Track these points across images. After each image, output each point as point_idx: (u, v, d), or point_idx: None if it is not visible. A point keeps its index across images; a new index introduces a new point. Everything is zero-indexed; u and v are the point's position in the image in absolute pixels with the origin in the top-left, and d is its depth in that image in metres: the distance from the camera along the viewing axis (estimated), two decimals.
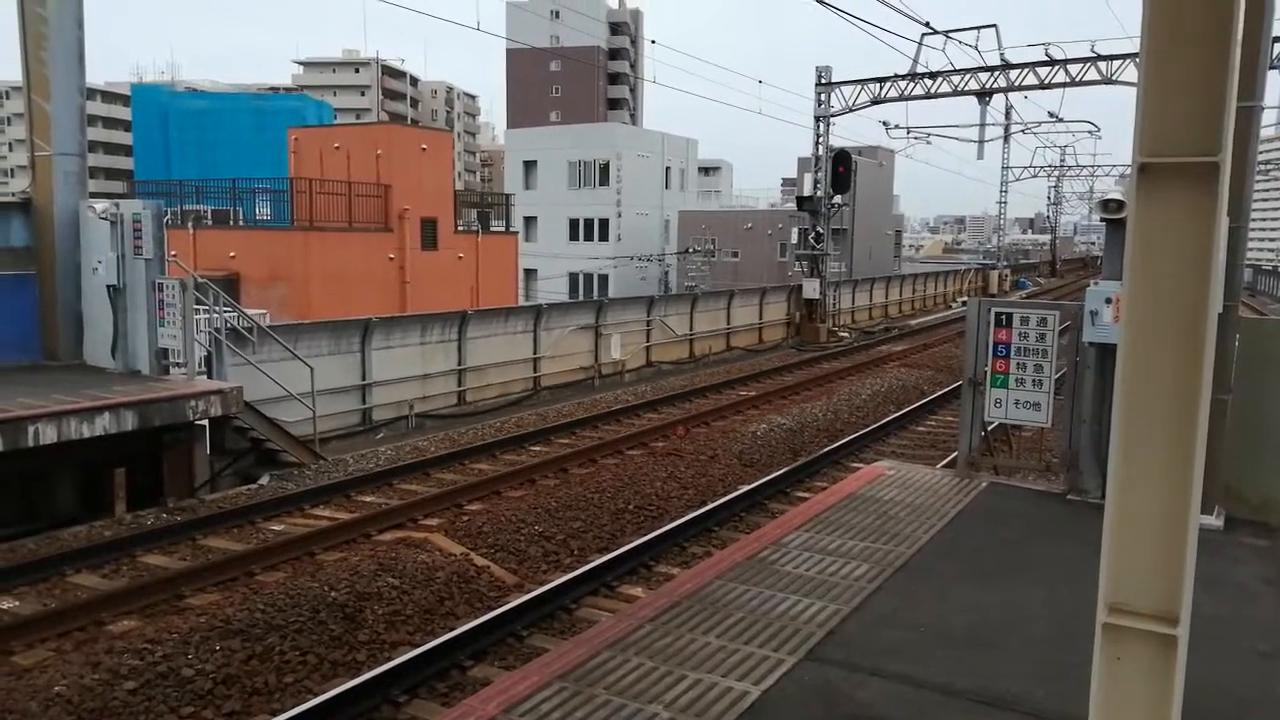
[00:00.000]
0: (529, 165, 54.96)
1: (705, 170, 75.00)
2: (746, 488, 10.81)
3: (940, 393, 17.76)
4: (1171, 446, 2.40)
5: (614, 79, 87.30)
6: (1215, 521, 6.34)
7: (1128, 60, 24.57)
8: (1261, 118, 6.58)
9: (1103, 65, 24.98)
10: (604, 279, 50.28)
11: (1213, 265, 2.32)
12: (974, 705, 3.82)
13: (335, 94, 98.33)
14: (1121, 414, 2.43)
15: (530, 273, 48.04)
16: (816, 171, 29.20)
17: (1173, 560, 2.42)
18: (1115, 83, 24.92)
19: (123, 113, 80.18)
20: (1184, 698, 2.47)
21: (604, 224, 52.48)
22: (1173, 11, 2.29)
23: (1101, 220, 6.69)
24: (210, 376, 12.06)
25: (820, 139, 29.13)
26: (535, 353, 18.68)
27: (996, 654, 4.30)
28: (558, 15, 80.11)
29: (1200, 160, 2.31)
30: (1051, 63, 25.58)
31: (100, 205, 12.18)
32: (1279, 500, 6.50)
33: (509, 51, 79.91)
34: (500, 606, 7.32)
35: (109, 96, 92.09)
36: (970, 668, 4.14)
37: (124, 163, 78.49)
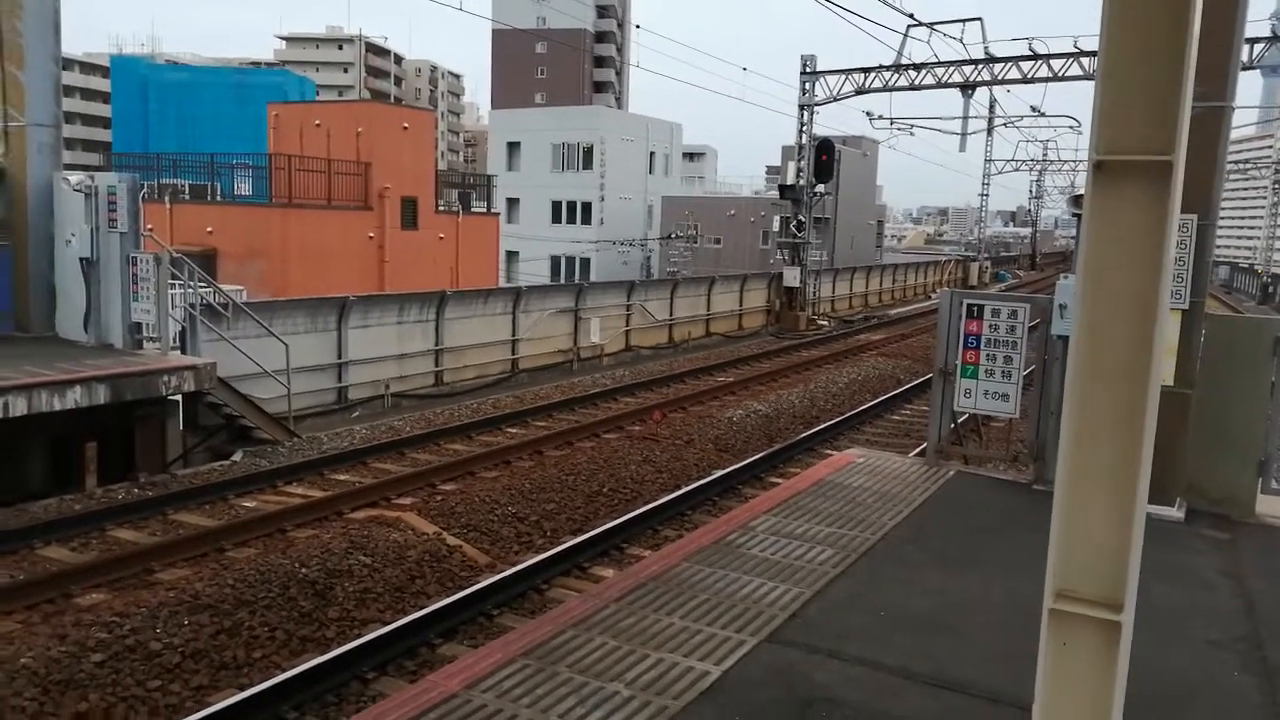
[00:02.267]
0: (512, 146, 54.71)
1: (689, 156, 74.91)
2: (720, 472, 10.88)
3: (916, 382, 17.90)
4: (1120, 438, 2.46)
5: (600, 62, 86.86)
6: (1176, 514, 6.46)
7: None
8: (1232, 118, 6.65)
9: (1085, 61, 25.12)
10: (586, 262, 50.21)
11: (1164, 261, 2.37)
12: (930, 688, 3.89)
13: (318, 70, 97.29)
14: (1072, 405, 2.49)
15: (512, 255, 47.89)
16: (800, 160, 29.26)
17: (1119, 549, 2.48)
18: (1096, 73, 25.02)
19: (101, 84, 79.05)
20: (1133, 683, 2.54)
21: (587, 207, 52.36)
22: (1130, 13, 2.33)
23: (1073, 215, 6.77)
24: (184, 352, 11.98)
25: (804, 128, 29.17)
26: (514, 335, 18.67)
27: (955, 639, 4.38)
28: None
29: (1154, 159, 2.36)
30: (1035, 57, 25.71)
31: (75, 177, 12.05)
32: (1239, 494, 6.62)
33: (494, 32, 79.33)
34: (471, 586, 7.36)
35: (87, 67, 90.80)
36: (928, 651, 4.22)
37: (101, 135, 77.47)
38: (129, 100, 49.23)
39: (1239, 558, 5.73)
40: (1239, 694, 4.00)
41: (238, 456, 11.49)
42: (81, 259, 11.91)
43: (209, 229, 24.95)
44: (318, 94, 60.86)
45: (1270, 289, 54.78)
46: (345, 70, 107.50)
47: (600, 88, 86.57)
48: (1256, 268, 64.66)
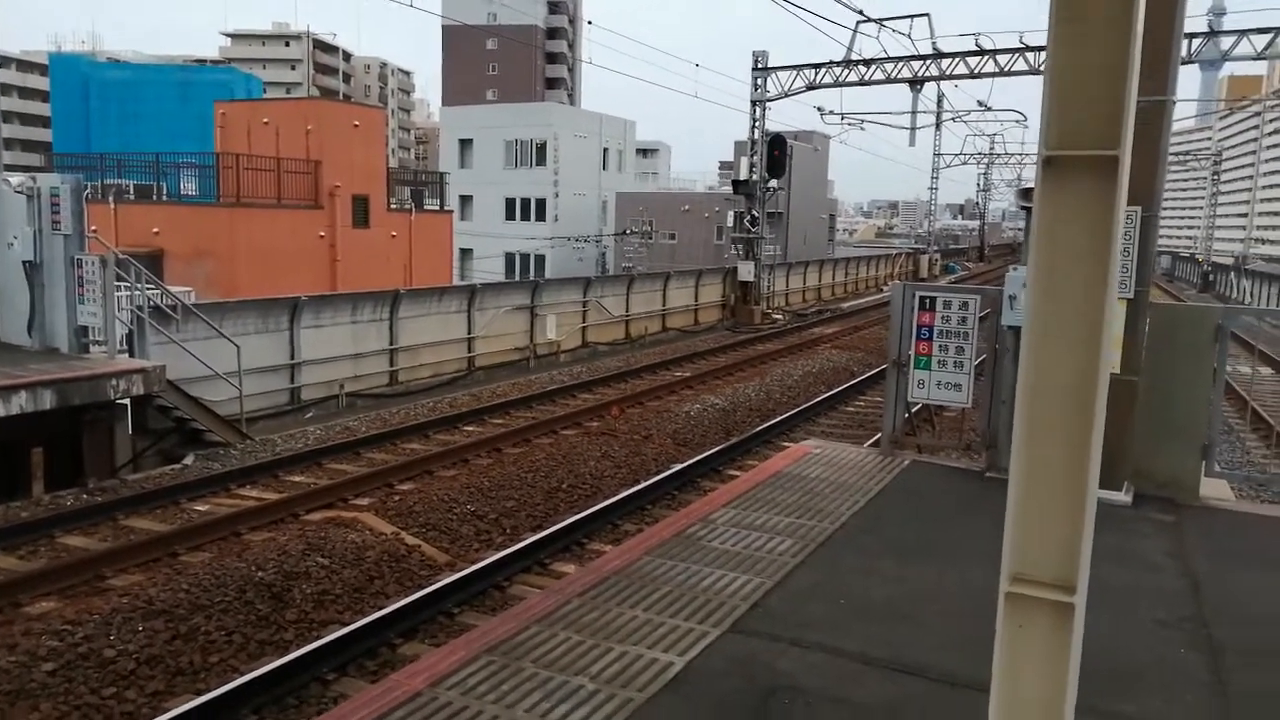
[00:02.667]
0: (465, 144, 54.30)
1: (643, 152, 74.97)
2: (679, 466, 10.94)
3: (869, 374, 18.12)
4: (1071, 422, 2.52)
5: (552, 58, 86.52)
6: (1124, 498, 6.62)
7: None
8: (1174, 111, 6.82)
9: (1030, 56, 25.55)
10: (540, 259, 50.05)
11: (1111, 252, 2.44)
12: (889, 673, 3.96)
13: (264, 67, 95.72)
14: (1025, 391, 2.55)
15: (466, 252, 47.57)
16: (752, 155, 29.43)
17: (1071, 532, 2.55)
18: (1042, 73, 25.44)
19: (39, 82, 77.00)
20: (1084, 662, 2.61)
21: (541, 204, 52.15)
22: (1075, 11, 2.39)
23: (1021, 208, 6.91)
24: (132, 355, 11.76)
25: (756, 123, 29.33)
26: (469, 333, 18.57)
27: (913, 625, 4.46)
28: None
29: (1101, 154, 2.43)
30: (981, 53, 26.10)
31: (15, 179, 11.77)
32: (1184, 478, 6.80)
33: (445, 28, 78.66)
34: (431, 585, 7.32)
35: (24, 65, 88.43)
36: (887, 638, 4.29)
37: (40, 134, 75.50)
38: (69, 99, 48.09)
39: (1184, 540, 5.90)
40: (1186, 671, 4.12)
41: (189, 460, 11.30)
42: (24, 262, 11.63)
43: (155, 230, 24.47)
44: (264, 92, 59.89)
45: (1210, 277, 56.29)
46: (293, 68, 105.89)
47: (552, 84, 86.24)
48: (1197, 257, 66.35)
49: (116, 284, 11.53)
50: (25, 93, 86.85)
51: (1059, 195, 2.47)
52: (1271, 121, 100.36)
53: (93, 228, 12.60)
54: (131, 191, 27.28)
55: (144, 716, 5.49)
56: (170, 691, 5.89)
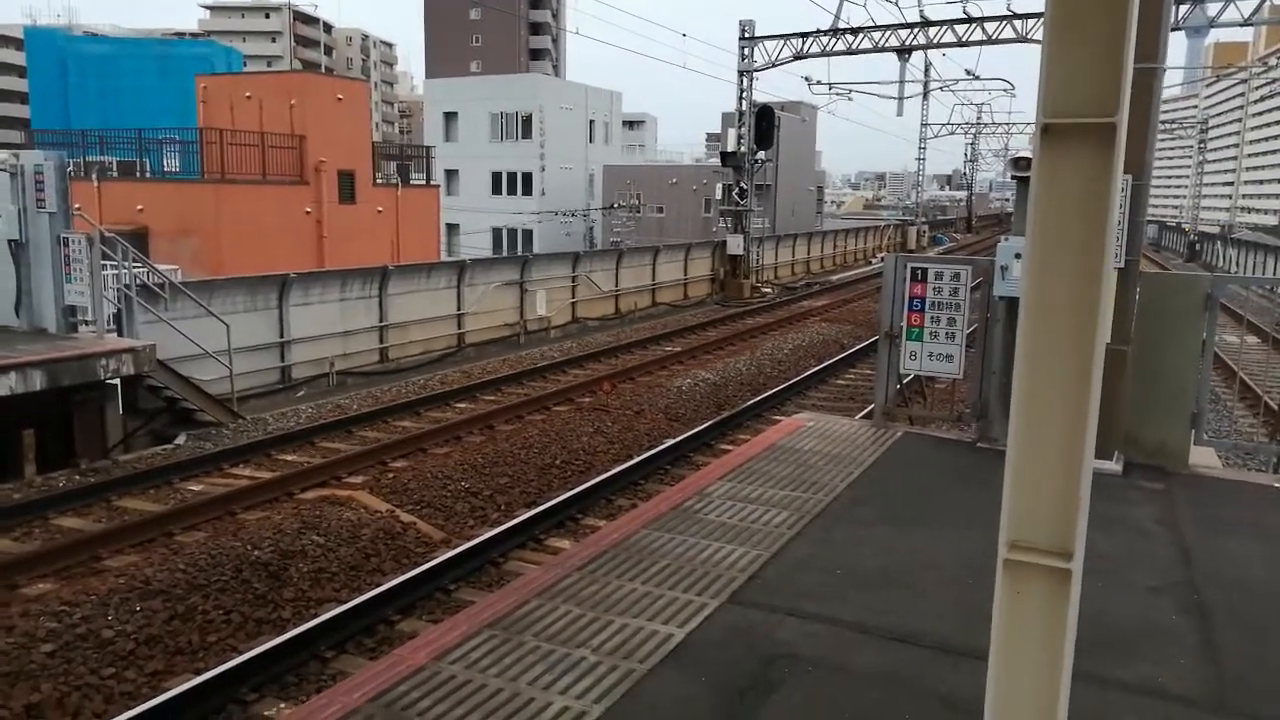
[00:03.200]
0: (449, 117, 53.83)
1: (630, 124, 74.42)
2: (671, 441, 10.98)
3: (859, 346, 18.18)
4: (1068, 392, 2.54)
5: (536, 29, 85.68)
6: (1114, 466, 6.68)
7: (1041, 20, 25.10)
8: (1164, 79, 6.83)
9: (1018, 24, 25.49)
10: (528, 234, 49.81)
11: (1109, 221, 2.45)
12: (886, 641, 4.01)
13: (245, 40, 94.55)
14: (1023, 361, 2.57)
15: (452, 227, 47.30)
16: (740, 127, 29.30)
17: (1068, 499, 2.58)
18: (1030, 41, 25.46)
19: (15, 57, 75.86)
20: (1080, 628, 2.64)
21: (527, 178, 51.84)
22: None
23: (1012, 178, 6.91)
24: (121, 334, 11.70)
25: (744, 94, 29.17)
26: (459, 309, 18.53)
27: (908, 593, 4.51)
28: None
29: (1099, 121, 2.43)
30: (969, 20, 26.00)
31: None
32: (1173, 446, 6.86)
33: None
34: (427, 562, 7.36)
35: None
36: (883, 607, 4.34)
37: (17, 110, 74.54)
38: (47, 74, 47.43)
39: (1174, 507, 5.96)
40: (1176, 636, 4.18)
41: (181, 440, 11.28)
42: (10, 241, 11.53)
43: (139, 207, 24.23)
44: (245, 65, 59.18)
45: (1197, 246, 56.51)
46: (273, 40, 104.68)
47: (537, 55, 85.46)
48: (1184, 226, 66.56)
49: (103, 263, 11.45)
50: (1, 68, 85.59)
51: (1056, 164, 2.48)
52: (1257, 89, 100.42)
53: (77, 205, 12.49)
54: (114, 168, 26.99)
55: (144, 696, 5.52)
56: (170, 671, 5.92)
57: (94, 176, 24.97)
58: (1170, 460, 6.81)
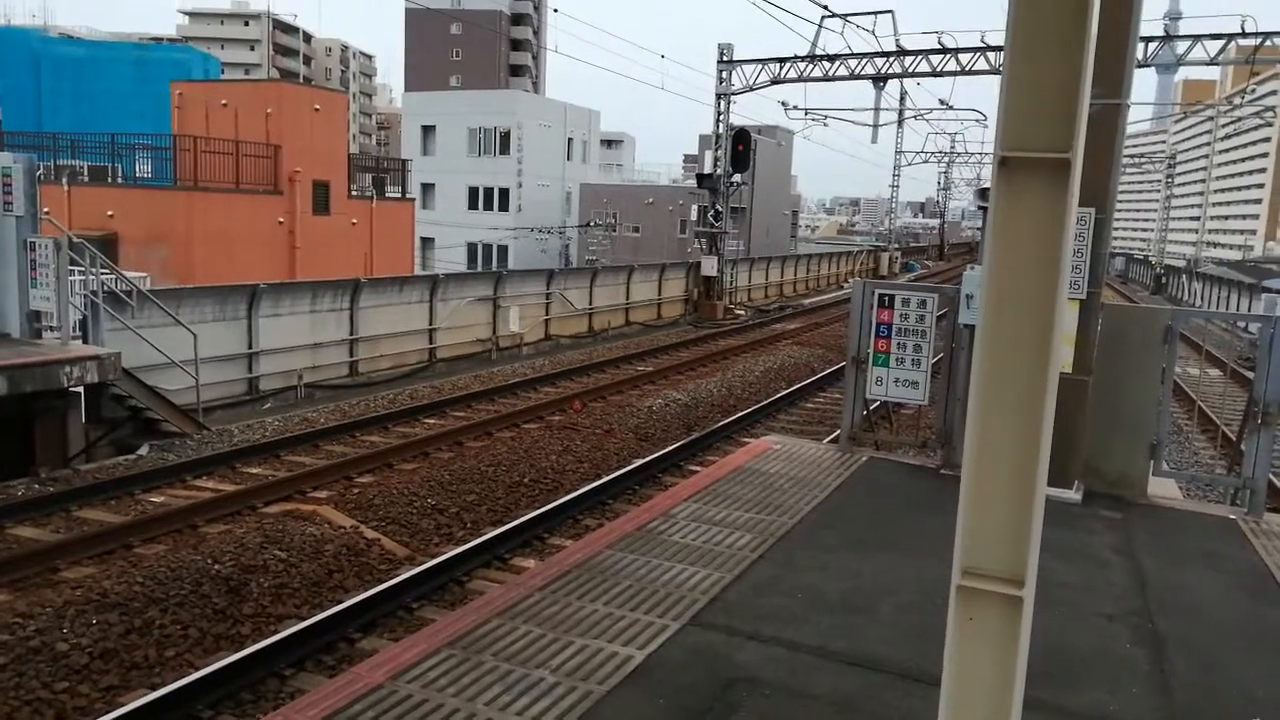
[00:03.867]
0: (427, 130, 53.82)
1: (608, 143, 74.74)
2: (640, 461, 10.98)
3: (829, 370, 18.29)
4: (1022, 421, 2.58)
5: (516, 45, 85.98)
6: (1074, 496, 6.76)
7: None
8: (1128, 114, 6.96)
9: (991, 55, 25.90)
10: (503, 250, 49.79)
11: (1063, 252, 2.51)
12: (845, 666, 4.03)
13: (223, 47, 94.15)
14: (978, 389, 2.61)
15: (427, 241, 47.17)
16: (717, 149, 29.50)
17: (1020, 526, 2.61)
18: (1002, 73, 25.84)
19: None
20: (1034, 655, 2.67)
21: (504, 194, 51.87)
22: (1032, 16, 2.45)
23: (979, 208, 7.02)
24: (87, 341, 11.54)
25: (721, 117, 29.40)
26: (431, 324, 18.46)
27: (868, 618, 4.54)
28: None
29: (1055, 156, 2.49)
30: (944, 51, 26.40)
31: None
32: (1133, 476, 6.96)
33: (408, 11, 77.83)
34: (390, 579, 7.29)
35: None
36: (843, 631, 4.36)
37: None
38: (19, 75, 46.86)
39: (1132, 537, 6.05)
40: (1130, 663, 4.24)
41: (144, 450, 11.13)
42: None
43: (109, 212, 23.99)
44: (223, 72, 58.87)
45: (1163, 279, 57.43)
46: (251, 48, 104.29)
47: (517, 71, 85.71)
48: (1150, 259, 67.64)
49: (70, 268, 11.31)
50: None
51: (1013, 196, 2.53)
52: (1224, 126, 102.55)
53: (45, 210, 12.35)
54: (85, 173, 26.72)
55: (97, 711, 5.42)
56: (125, 686, 5.81)
57: (64, 180, 24.71)
58: (1130, 490, 6.90)
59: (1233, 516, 6.67)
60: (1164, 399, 6.94)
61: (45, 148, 26.75)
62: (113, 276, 12.40)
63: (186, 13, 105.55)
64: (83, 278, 11.83)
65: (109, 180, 26.56)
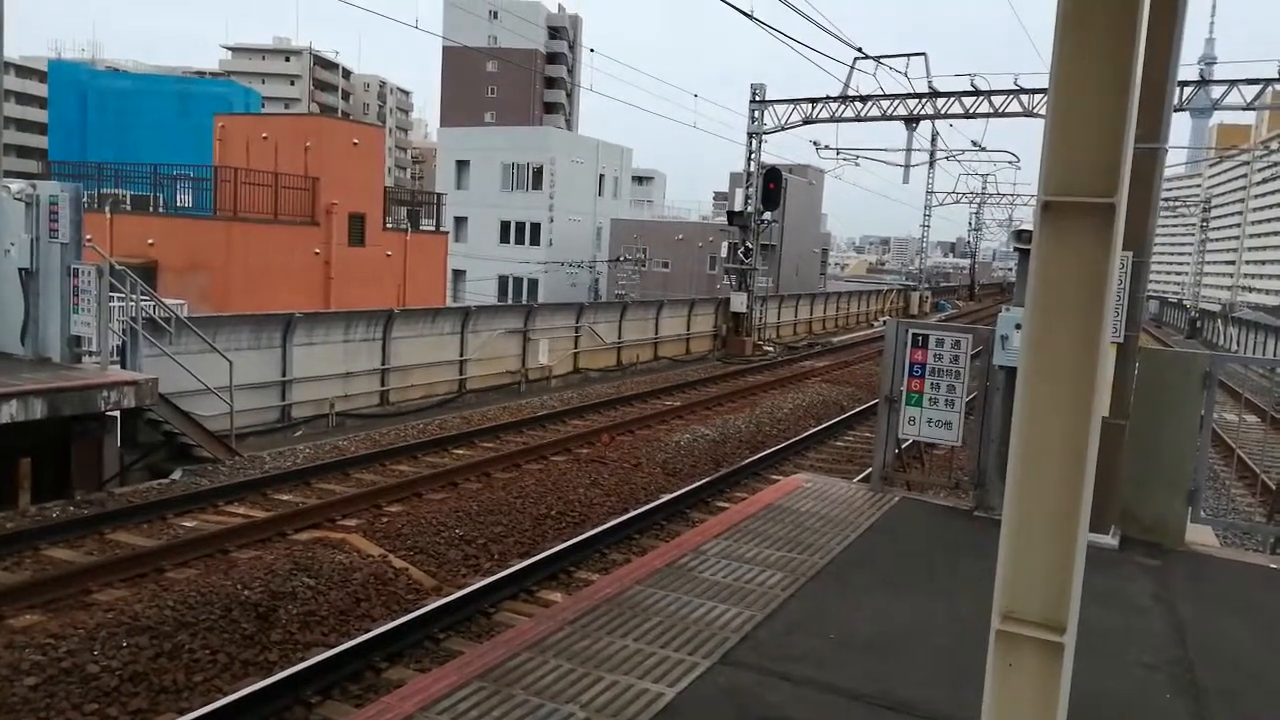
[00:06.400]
0: (461, 165, 54.56)
1: (639, 180, 75.38)
2: (668, 496, 10.94)
3: (859, 409, 18.19)
4: (1064, 464, 2.57)
5: (550, 83, 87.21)
6: (1111, 541, 6.66)
7: (1046, 95, 25.53)
8: (1165, 159, 6.94)
9: (1024, 98, 25.93)
10: (534, 283, 50.17)
11: (1106, 297, 2.50)
12: (877, 709, 3.98)
13: (264, 82, 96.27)
14: (1020, 432, 2.60)
15: (459, 273, 47.65)
16: (748, 187, 29.65)
17: (1061, 571, 2.59)
18: (1035, 115, 25.89)
19: (37, 88, 77.14)
20: (1073, 703, 2.64)
21: (535, 228, 52.37)
22: (1077, 63, 2.47)
23: (1015, 250, 6.99)
24: (125, 366, 11.74)
25: (752, 155, 29.57)
26: (462, 355, 18.59)
27: (901, 661, 4.48)
28: (496, 16, 79.84)
29: (1099, 201, 2.49)
30: (976, 93, 26.46)
31: (15, 185, 11.77)
32: (1170, 521, 6.84)
33: (445, 49, 79.25)
34: (418, 609, 7.30)
35: (23, 70, 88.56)
36: (875, 673, 4.31)
37: (35, 140, 75.52)
38: (67, 107, 48.24)
39: (1170, 584, 5.94)
40: (1170, 715, 4.15)
41: (177, 475, 11.26)
42: (20, 269, 11.63)
43: (150, 241, 24.48)
44: (263, 106, 60.16)
45: (1198, 323, 56.73)
46: (292, 83, 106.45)
47: (551, 108, 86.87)
48: (1185, 302, 66.88)
49: (111, 294, 11.54)
50: (23, 98, 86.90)
51: (1056, 240, 2.53)
52: (1260, 171, 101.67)
53: (88, 237, 12.62)
54: (128, 202, 27.31)
55: None
56: (153, 710, 5.85)
57: (107, 209, 25.25)
58: (1167, 537, 6.79)
59: (1273, 565, 6.53)
60: (1202, 445, 6.83)
61: (90, 176, 27.42)
62: (152, 303, 12.62)
63: (230, 48, 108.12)
64: (123, 304, 12.05)
65: (150, 209, 27.13)
